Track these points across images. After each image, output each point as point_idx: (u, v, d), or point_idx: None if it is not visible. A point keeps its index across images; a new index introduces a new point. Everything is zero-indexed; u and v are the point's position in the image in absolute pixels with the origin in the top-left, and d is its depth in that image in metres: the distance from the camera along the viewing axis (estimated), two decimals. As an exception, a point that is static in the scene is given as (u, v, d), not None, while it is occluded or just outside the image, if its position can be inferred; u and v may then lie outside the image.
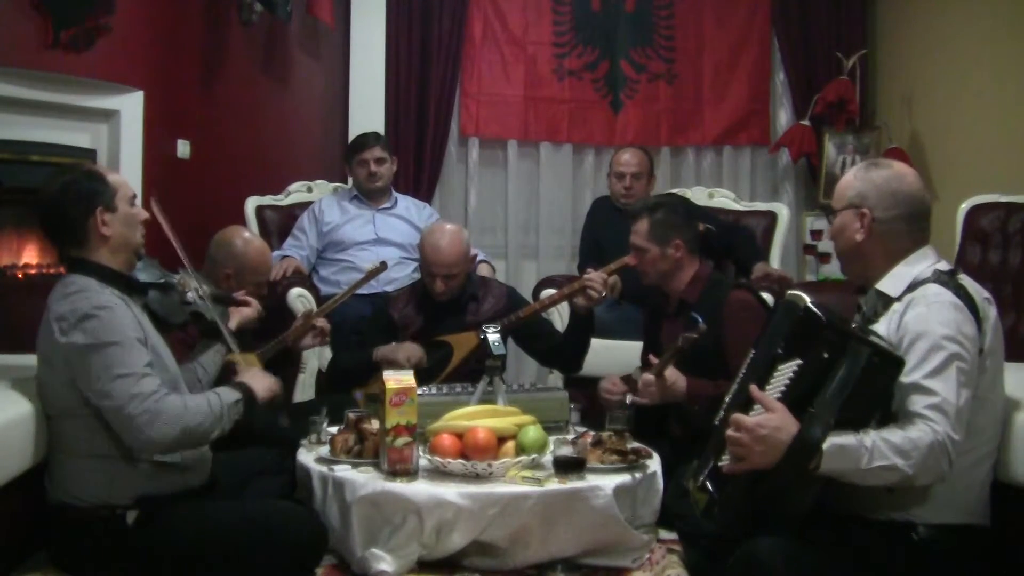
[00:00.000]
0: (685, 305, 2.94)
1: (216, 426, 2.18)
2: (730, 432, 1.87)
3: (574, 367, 3.44)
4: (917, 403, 1.85)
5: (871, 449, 1.81)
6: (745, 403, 1.92)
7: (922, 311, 1.91)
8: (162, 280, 2.44)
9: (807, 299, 1.92)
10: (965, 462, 1.91)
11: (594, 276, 3.14)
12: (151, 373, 2.12)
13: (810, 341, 1.87)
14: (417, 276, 3.96)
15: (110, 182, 2.26)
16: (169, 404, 2.10)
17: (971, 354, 1.89)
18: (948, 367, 1.85)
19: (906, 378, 1.87)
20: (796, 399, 1.86)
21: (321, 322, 3.08)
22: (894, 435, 1.82)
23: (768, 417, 1.84)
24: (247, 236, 3.14)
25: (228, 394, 2.25)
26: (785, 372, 1.90)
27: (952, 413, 1.83)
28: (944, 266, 2.02)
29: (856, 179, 2.08)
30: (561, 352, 3.38)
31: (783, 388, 1.89)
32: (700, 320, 2.64)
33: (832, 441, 1.81)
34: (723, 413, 2.02)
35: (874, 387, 1.86)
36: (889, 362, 1.85)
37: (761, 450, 1.83)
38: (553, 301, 3.36)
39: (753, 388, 1.90)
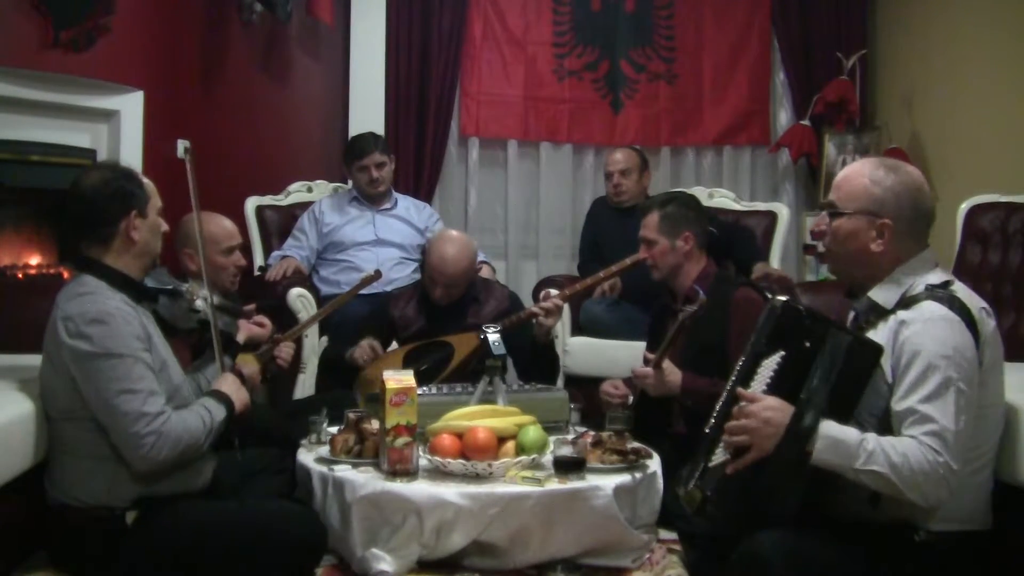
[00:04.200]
0: (692, 302, 2.94)
1: (206, 443, 2.19)
2: (734, 423, 1.89)
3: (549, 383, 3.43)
4: (915, 429, 1.83)
5: (870, 452, 1.81)
6: (735, 402, 1.94)
7: (918, 330, 1.88)
8: (171, 287, 2.44)
9: (784, 298, 1.98)
10: (966, 471, 1.90)
11: (546, 304, 3.19)
12: (157, 391, 2.11)
13: (791, 333, 1.92)
14: (417, 276, 3.96)
15: (146, 188, 2.26)
16: (173, 425, 2.10)
17: (970, 374, 1.86)
18: (946, 391, 1.83)
19: (903, 401, 1.86)
20: (784, 390, 1.89)
21: (286, 350, 3.04)
22: (893, 449, 1.82)
23: (769, 402, 1.87)
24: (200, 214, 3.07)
25: (218, 411, 2.24)
26: (769, 365, 1.92)
27: (951, 440, 1.81)
28: (937, 278, 1.98)
29: (874, 184, 2.00)
30: (533, 371, 3.34)
31: (768, 380, 1.92)
32: (701, 292, 2.65)
33: (833, 434, 1.82)
34: (714, 420, 2.02)
35: (858, 373, 1.88)
36: (869, 348, 1.88)
37: (768, 432, 1.85)
38: (529, 315, 3.27)
39: (739, 389, 1.92)
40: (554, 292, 3.38)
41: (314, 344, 3.83)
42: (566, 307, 3.80)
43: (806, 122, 4.95)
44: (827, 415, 1.85)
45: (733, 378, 2.02)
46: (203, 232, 2.92)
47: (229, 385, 2.35)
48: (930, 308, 1.90)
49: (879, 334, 1.97)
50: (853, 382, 1.89)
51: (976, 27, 4.31)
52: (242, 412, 2.36)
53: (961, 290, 1.97)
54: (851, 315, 2.11)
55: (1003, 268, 3.48)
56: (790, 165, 5.21)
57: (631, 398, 2.91)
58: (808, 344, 1.89)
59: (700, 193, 4.61)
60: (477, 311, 3.38)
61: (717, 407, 2.03)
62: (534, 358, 3.31)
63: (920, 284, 1.97)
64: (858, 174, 2.04)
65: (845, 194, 2.05)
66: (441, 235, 3.44)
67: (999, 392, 1.99)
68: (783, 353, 1.92)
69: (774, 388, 1.90)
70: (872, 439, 1.83)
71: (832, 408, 1.86)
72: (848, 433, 1.84)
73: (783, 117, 5.28)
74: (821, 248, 2.13)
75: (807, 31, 5.14)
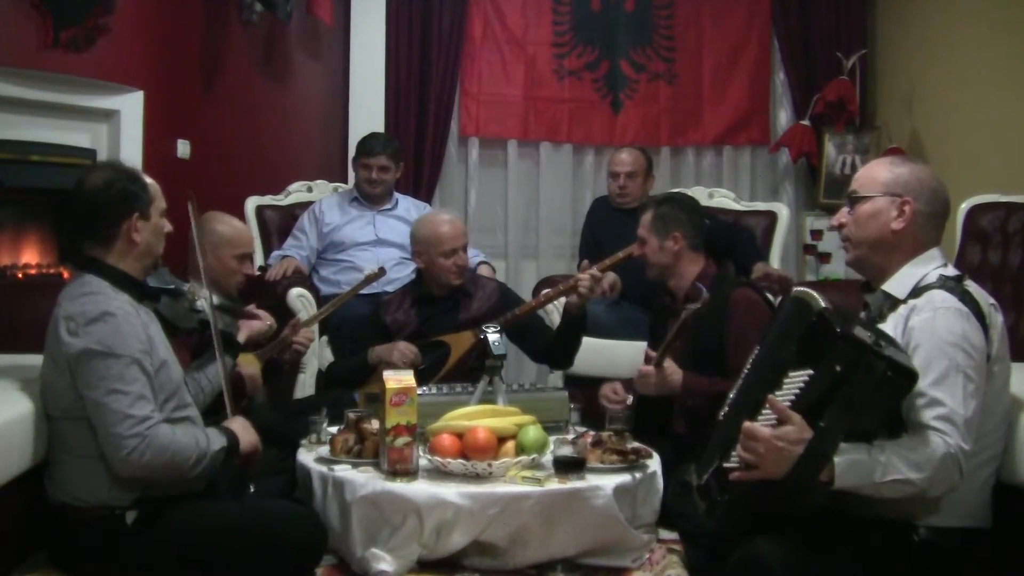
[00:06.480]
0: (694, 300, 2.94)
1: (197, 467, 2.14)
2: (743, 442, 1.84)
3: (565, 364, 3.49)
4: (925, 414, 1.83)
5: (885, 464, 1.79)
6: (754, 407, 1.88)
7: (927, 317, 1.89)
8: (172, 287, 2.44)
9: (821, 302, 1.89)
10: (969, 466, 1.90)
11: (584, 275, 3.18)
12: (148, 397, 2.09)
13: (823, 351, 1.81)
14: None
15: (150, 189, 2.25)
16: (160, 434, 2.07)
17: (978, 362, 1.87)
18: (954, 376, 1.84)
19: None
20: (805, 409, 1.82)
21: (303, 335, 3.04)
22: (907, 448, 1.81)
23: (787, 431, 1.79)
24: (224, 215, 3.16)
25: (216, 440, 2.21)
26: (795, 381, 1.86)
27: (961, 423, 1.81)
28: (951, 271, 2.00)
29: (894, 168, 2.06)
30: (552, 350, 3.40)
31: (792, 397, 1.85)
32: (704, 289, 2.66)
33: (846, 456, 1.79)
34: (727, 410, 2.01)
35: (886, 400, 1.83)
36: (903, 375, 1.79)
37: (775, 460, 1.80)
38: (549, 299, 3.38)
39: (771, 398, 1.84)
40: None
41: (313, 346, 3.82)
42: (560, 302, 3.79)
43: (806, 122, 4.95)
44: (848, 438, 1.81)
45: (749, 370, 2.00)
46: (214, 233, 3.01)
47: (237, 425, 2.32)
48: (941, 297, 1.92)
49: (890, 323, 1.97)
50: (879, 409, 1.83)
51: (976, 27, 4.30)
52: (251, 453, 2.31)
53: (972, 286, 1.98)
54: (862, 313, 2.10)
55: (1003, 268, 3.48)
56: (790, 165, 5.22)
57: (631, 398, 2.91)
58: (839, 368, 1.78)
59: (700, 193, 4.62)
60: (468, 305, 3.40)
61: (731, 395, 2.02)
62: (561, 333, 3.32)
63: (933, 274, 1.99)
64: (876, 165, 2.11)
65: (865, 181, 2.08)
66: (425, 218, 3.51)
67: (1005, 388, 2.00)
68: (811, 372, 1.82)
69: (796, 406, 1.83)
70: (884, 449, 1.81)
71: (853, 432, 1.82)
72: (859, 449, 1.81)
73: (783, 117, 5.28)
74: (842, 237, 2.12)
75: (807, 31, 5.14)
